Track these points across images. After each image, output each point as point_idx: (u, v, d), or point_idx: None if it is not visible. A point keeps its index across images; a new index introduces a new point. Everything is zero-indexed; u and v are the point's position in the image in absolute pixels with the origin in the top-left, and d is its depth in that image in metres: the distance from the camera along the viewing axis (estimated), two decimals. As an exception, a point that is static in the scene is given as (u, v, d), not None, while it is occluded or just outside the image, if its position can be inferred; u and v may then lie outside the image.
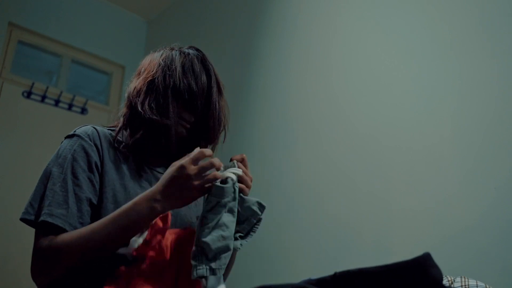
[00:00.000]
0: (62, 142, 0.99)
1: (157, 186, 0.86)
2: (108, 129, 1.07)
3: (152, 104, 0.99)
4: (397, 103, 1.72)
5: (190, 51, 1.09)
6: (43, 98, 2.94)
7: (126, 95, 1.07)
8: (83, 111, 3.12)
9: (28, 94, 2.88)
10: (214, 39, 2.81)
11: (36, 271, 0.86)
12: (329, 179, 1.88)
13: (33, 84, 2.89)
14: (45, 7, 3.08)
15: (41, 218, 0.85)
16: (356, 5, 1.99)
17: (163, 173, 1.06)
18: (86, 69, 3.36)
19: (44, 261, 0.84)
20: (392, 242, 1.60)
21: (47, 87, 2.95)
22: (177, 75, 1.02)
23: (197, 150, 0.88)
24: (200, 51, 1.11)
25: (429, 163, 1.56)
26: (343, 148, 1.87)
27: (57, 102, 3.00)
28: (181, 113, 1.03)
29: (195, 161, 0.86)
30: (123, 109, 1.07)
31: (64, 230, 0.85)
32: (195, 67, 1.05)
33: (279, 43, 2.36)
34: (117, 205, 0.93)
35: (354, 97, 1.89)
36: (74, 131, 0.99)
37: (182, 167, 0.84)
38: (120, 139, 1.03)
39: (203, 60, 1.08)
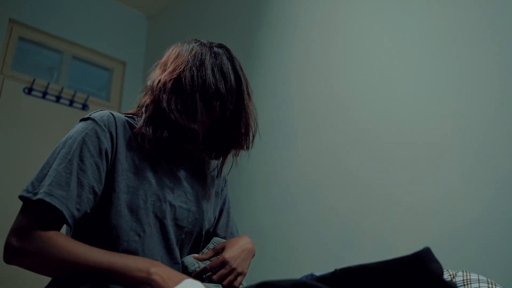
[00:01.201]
0: (76, 124, 0.95)
1: (166, 270, 0.81)
2: (126, 116, 1.01)
3: (178, 106, 0.95)
4: (398, 98, 1.72)
5: (220, 50, 1.05)
6: (44, 94, 2.94)
7: (148, 83, 1.02)
8: (84, 107, 3.12)
9: (29, 91, 2.88)
10: (215, 35, 2.81)
11: (12, 250, 0.80)
12: (331, 175, 1.88)
13: (34, 80, 2.89)
14: (46, 3, 3.08)
15: (39, 196, 0.80)
16: (356, 2, 1.98)
17: (178, 167, 1.04)
18: (87, 65, 3.36)
19: (23, 244, 0.79)
20: (394, 237, 1.60)
21: (48, 84, 2.95)
22: (207, 78, 0.98)
23: None
24: (229, 51, 1.07)
25: (431, 158, 1.56)
26: (344, 144, 1.87)
27: (58, 99, 3.00)
28: (201, 117, 0.99)
29: None
30: (145, 98, 1.01)
31: (60, 212, 0.80)
32: (225, 69, 1.02)
33: (280, 39, 2.35)
34: (130, 195, 0.91)
35: (355, 93, 1.89)
36: (90, 115, 0.94)
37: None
38: (144, 132, 0.96)
39: (233, 62, 1.05)
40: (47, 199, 0.80)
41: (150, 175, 0.96)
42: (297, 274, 1.62)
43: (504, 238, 1.31)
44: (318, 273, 0.85)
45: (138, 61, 3.49)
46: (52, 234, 0.81)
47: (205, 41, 1.08)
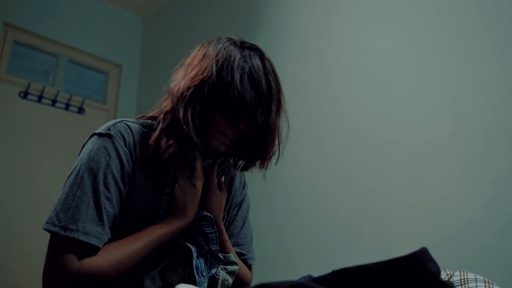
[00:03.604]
0: (90, 138, 0.87)
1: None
2: (142, 125, 0.93)
3: (196, 119, 0.86)
4: (396, 98, 1.72)
5: (252, 52, 0.92)
6: (40, 98, 2.93)
7: (171, 85, 0.92)
8: (80, 110, 3.11)
9: (25, 95, 2.87)
10: (211, 36, 2.80)
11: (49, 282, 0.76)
12: (329, 175, 1.88)
13: (29, 84, 2.88)
14: (40, 6, 3.07)
15: (74, 235, 0.75)
16: (354, 1, 1.99)
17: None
18: (83, 69, 3.35)
19: (72, 282, 0.75)
20: (392, 237, 1.60)
21: (44, 87, 2.95)
22: (233, 84, 0.85)
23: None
24: (264, 55, 0.94)
25: (429, 158, 1.56)
26: (342, 144, 1.87)
27: (54, 102, 3.00)
28: (224, 129, 0.89)
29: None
30: (166, 103, 0.92)
31: (97, 248, 0.77)
32: (256, 75, 0.88)
33: (276, 39, 2.35)
34: (140, 225, 0.86)
35: (352, 92, 1.89)
36: (108, 130, 0.86)
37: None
38: (158, 143, 0.88)
39: (267, 68, 0.91)
40: (84, 238, 0.75)
41: (158, 193, 0.91)
42: (295, 275, 1.62)
43: (503, 238, 1.31)
44: (316, 274, 0.85)
45: (134, 64, 3.49)
46: (91, 264, 0.77)
47: (237, 40, 0.97)
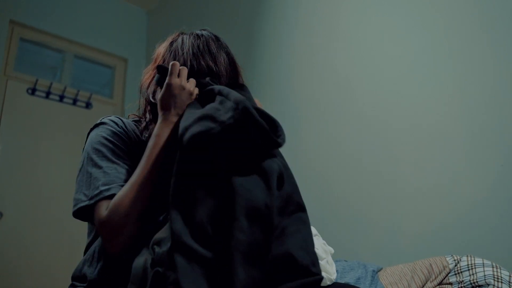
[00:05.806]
0: (88, 133, 0.96)
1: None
2: (132, 120, 1.02)
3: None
4: (402, 81, 1.71)
5: (204, 32, 1.03)
6: (48, 94, 2.95)
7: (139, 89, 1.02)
8: (88, 105, 3.13)
9: (33, 91, 2.89)
10: (216, 26, 2.77)
11: (106, 241, 0.82)
12: (336, 162, 1.88)
13: (37, 80, 2.90)
14: (45, 3, 3.08)
15: (101, 196, 0.83)
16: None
17: None
18: (89, 63, 3.36)
19: (109, 225, 0.81)
20: (402, 223, 1.60)
21: (51, 83, 2.97)
22: (191, 57, 0.95)
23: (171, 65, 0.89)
24: (212, 32, 1.04)
25: (435, 141, 1.55)
26: (349, 131, 1.86)
27: (61, 98, 3.01)
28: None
29: (174, 75, 0.89)
30: (142, 103, 1.01)
31: None
32: (212, 47, 0.98)
33: (283, 25, 2.34)
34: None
35: (359, 77, 1.88)
36: (101, 120, 0.95)
37: (169, 85, 0.88)
38: (147, 135, 0.95)
39: (219, 41, 1.02)
40: (107, 193, 0.83)
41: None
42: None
43: (510, 220, 1.31)
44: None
45: (139, 57, 3.49)
46: (110, 202, 0.83)
47: (185, 31, 1.07)
